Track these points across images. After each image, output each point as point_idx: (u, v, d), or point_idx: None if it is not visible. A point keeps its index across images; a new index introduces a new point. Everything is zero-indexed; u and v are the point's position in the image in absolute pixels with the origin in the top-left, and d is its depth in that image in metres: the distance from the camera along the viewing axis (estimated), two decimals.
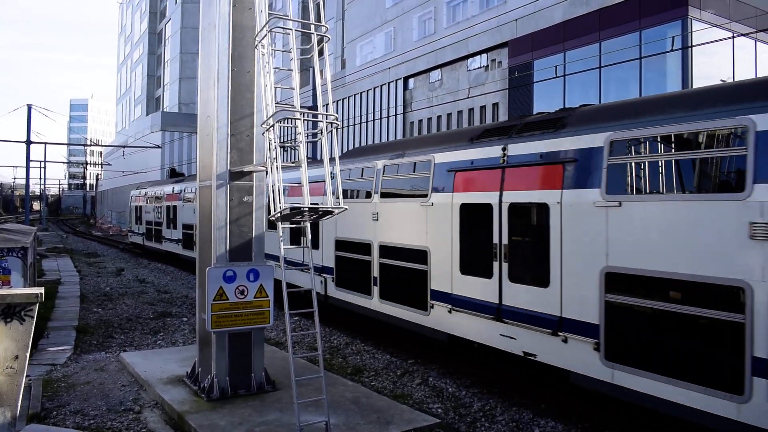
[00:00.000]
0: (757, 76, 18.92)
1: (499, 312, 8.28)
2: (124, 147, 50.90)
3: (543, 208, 7.67)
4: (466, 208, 8.97)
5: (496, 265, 8.34)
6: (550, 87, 23.27)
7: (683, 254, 6.05)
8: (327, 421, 6.54)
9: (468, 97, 25.49)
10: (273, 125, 6.86)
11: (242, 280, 7.76)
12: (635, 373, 6.47)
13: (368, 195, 11.45)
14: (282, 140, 7.19)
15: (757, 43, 21.63)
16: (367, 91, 37.90)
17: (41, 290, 6.03)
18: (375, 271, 11.08)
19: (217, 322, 7.60)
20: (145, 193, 30.78)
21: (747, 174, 5.64)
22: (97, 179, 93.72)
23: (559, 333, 7.35)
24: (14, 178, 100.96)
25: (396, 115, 34.10)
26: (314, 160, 15.43)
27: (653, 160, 6.67)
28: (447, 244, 9.26)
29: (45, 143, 46.19)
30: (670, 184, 6.53)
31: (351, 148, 38.24)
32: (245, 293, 7.79)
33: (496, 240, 8.35)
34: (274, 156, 6.79)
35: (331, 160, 7.02)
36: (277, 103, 6.91)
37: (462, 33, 28.61)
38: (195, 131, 9.87)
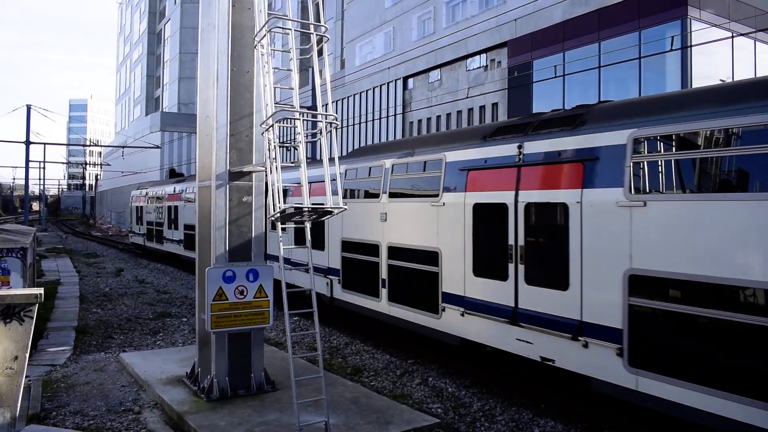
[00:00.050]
0: (757, 76, 18.92)
1: (514, 315, 8.01)
2: (123, 147, 50.90)
3: (562, 208, 7.41)
4: (479, 208, 8.72)
5: (511, 267, 8.08)
6: (549, 87, 23.27)
7: (718, 257, 5.75)
8: (326, 421, 6.54)
9: (467, 97, 25.49)
10: (272, 125, 6.85)
11: (242, 280, 7.75)
12: (663, 380, 6.16)
13: (376, 195, 11.20)
14: (282, 140, 7.19)
15: (757, 42, 21.64)
16: (367, 91, 37.91)
17: (41, 291, 6.03)
18: (383, 273, 10.82)
19: (216, 322, 7.60)
20: (146, 194, 30.64)
21: None
22: (97, 179, 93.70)
23: (579, 338, 7.08)
24: (13, 179, 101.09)
25: (395, 115, 34.11)
26: (316, 160, 15.41)
27: (684, 157, 6.31)
28: (459, 245, 9.01)
29: (44, 143, 46.21)
30: (701, 183, 6.22)
31: (350, 148, 38.28)
32: (245, 293, 7.78)
33: (511, 241, 8.08)
34: (274, 156, 6.78)
35: (331, 160, 7.01)
36: (276, 103, 6.91)
37: (461, 33, 28.62)
38: (194, 131, 9.88)
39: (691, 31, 19.22)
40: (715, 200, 5.91)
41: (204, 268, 7.85)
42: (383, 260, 10.84)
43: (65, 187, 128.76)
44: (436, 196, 9.54)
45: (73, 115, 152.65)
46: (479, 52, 28.56)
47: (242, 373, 7.98)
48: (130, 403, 7.95)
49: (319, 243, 12.97)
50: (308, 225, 7.27)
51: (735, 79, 17.40)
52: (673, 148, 6.47)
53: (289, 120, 7.13)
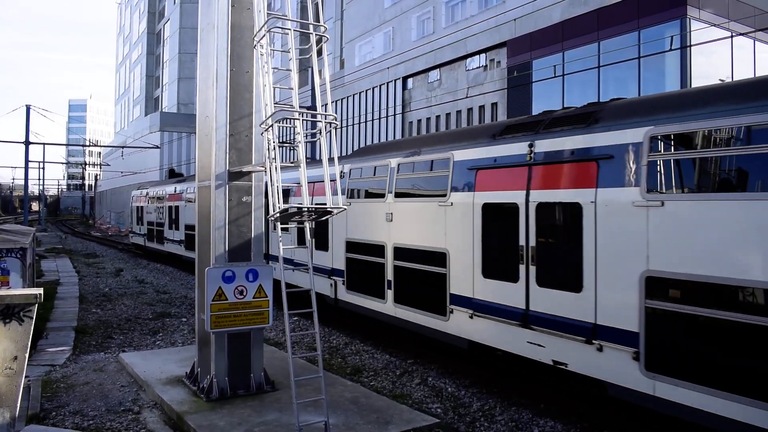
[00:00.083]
0: (756, 75, 18.94)
1: (525, 318, 7.82)
2: (122, 147, 50.98)
3: (575, 208, 7.22)
4: (489, 208, 8.55)
5: (522, 268, 7.90)
6: (548, 87, 23.28)
7: (742, 258, 5.58)
8: (326, 421, 6.54)
9: (467, 97, 25.49)
10: (272, 125, 6.85)
11: (241, 280, 7.75)
12: (683, 385, 5.97)
13: (381, 195, 11.01)
14: (281, 140, 7.18)
15: (756, 42, 21.66)
16: (366, 91, 37.93)
17: (40, 291, 6.03)
18: (389, 274, 10.63)
19: (216, 322, 7.60)
20: (147, 194, 30.55)
21: None
22: (96, 180, 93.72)
23: (594, 341, 6.89)
24: (13, 179, 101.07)
25: (395, 115, 34.12)
26: (317, 160, 15.35)
27: (706, 156, 6.10)
28: (468, 245, 8.82)
29: (44, 144, 46.28)
30: (724, 182, 6.02)
31: (350, 148, 38.31)
32: (244, 293, 7.78)
33: (522, 242, 7.90)
34: (273, 156, 6.78)
35: (330, 160, 7.01)
36: (275, 103, 6.91)
37: (461, 33, 28.65)
38: (194, 131, 9.87)
39: (690, 31, 19.24)
40: (740, 200, 5.72)
41: (203, 268, 7.85)
42: (389, 261, 10.66)
43: (65, 187, 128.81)
44: (444, 195, 9.36)
45: (72, 116, 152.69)
46: (479, 52, 28.58)
47: (242, 373, 7.98)
48: (129, 403, 7.95)
49: (322, 243, 12.86)
50: (308, 225, 7.28)
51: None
52: (695, 146, 6.23)
53: (288, 120, 7.12)
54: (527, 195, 7.90)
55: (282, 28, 7.26)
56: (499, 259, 8.39)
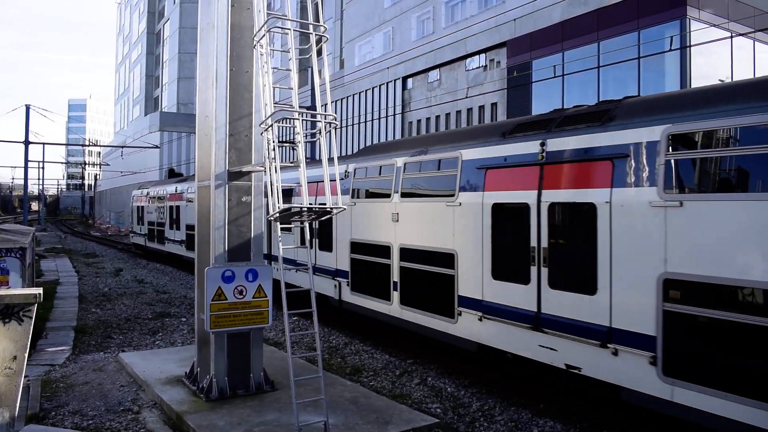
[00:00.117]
0: (756, 76, 18.95)
1: (537, 321, 7.64)
2: (122, 147, 50.93)
3: (589, 208, 7.04)
4: (499, 208, 8.37)
5: (533, 270, 7.71)
6: (548, 87, 23.30)
7: (766, 260, 5.43)
8: (326, 421, 6.54)
9: (467, 97, 25.50)
10: (271, 125, 6.86)
11: (241, 280, 7.75)
12: (703, 391, 5.81)
13: (387, 195, 10.83)
14: (281, 140, 7.19)
15: (756, 42, 21.67)
16: (366, 91, 37.93)
17: (40, 291, 6.03)
18: (395, 275, 10.45)
19: (215, 322, 7.60)
20: (147, 193, 30.48)
21: None
22: (96, 179, 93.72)
23: (609, 345, 6.73)
24: (12, 179, 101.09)
25: (395, 115, 34.13)
26: (318, 160, 15.31)
27: (728, 155, 5.93)
28: (477, 246, 8.63)
29: (43, 143, 46.26)
30: (747, 182, 5.84)
31: (350, 148, 38.33)
32: (244, 293, 7.78)
33: (533, 243, 7.71)
34: (273, 156, 6.79)
35: (330, 160, 7.02)
36: (275, 103, 6.92)
37: (460, 33, 28.65)
38: (193, 131, 9.86)
39: (690, 31, 19.25)
40: (763, 200, 5.55)
41: (203, 268, 7.85)
42: (395, 262, 10.50)
43: (64, 187, 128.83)
44: (452, 195, 9.19)
45: (72, 115, 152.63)
46: (478, 52, 28.59)
47: (241, 373, 7.98)
48: (129, 403, 7.95)
49: (326, 244, 12.75)
50: (307, 225, 7.28)
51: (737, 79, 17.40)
52: (716, 145, 6.04)
53: (288, 120, 7.12)
54: (539, 195, 7.72)
55: (282, 28, 7.26)
56: (509, 260, 8.22)
